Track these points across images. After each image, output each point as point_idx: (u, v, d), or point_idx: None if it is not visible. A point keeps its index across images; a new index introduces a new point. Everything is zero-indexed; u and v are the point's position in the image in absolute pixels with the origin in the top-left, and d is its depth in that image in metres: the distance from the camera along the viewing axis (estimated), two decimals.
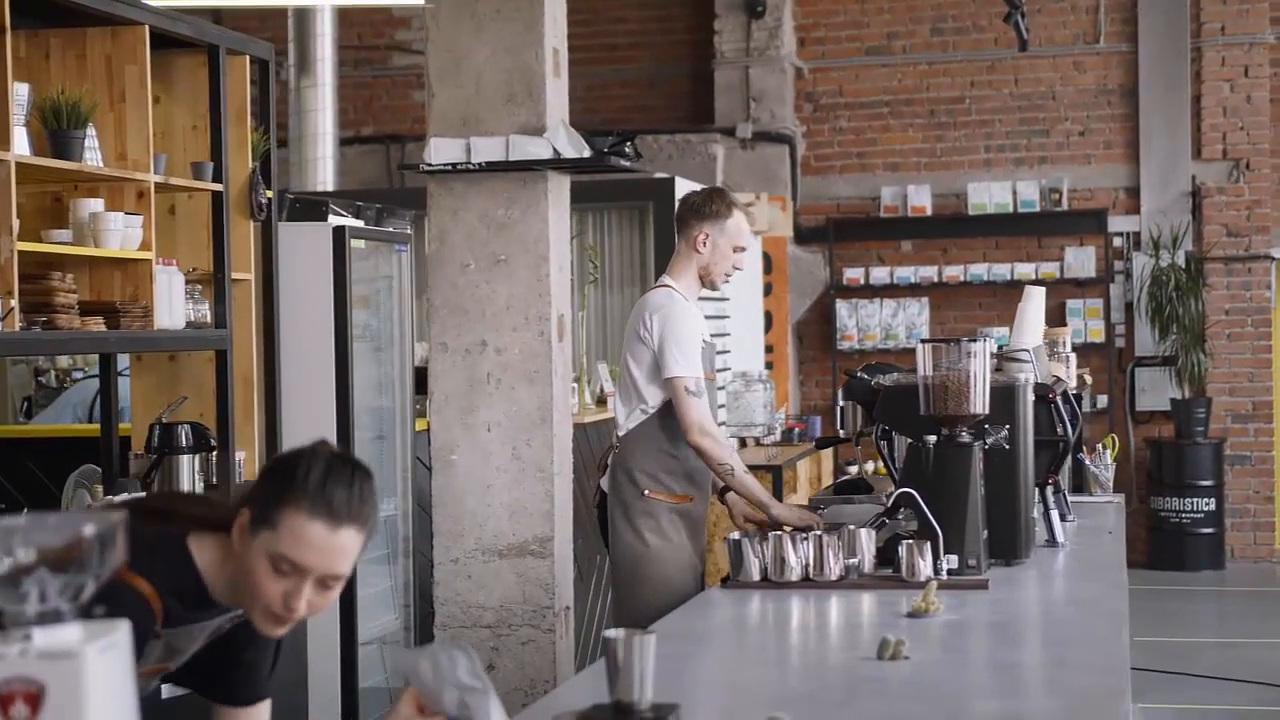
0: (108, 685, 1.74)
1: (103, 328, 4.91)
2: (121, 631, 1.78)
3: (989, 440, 4.46)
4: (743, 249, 5.33)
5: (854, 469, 12.25)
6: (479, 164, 5.80)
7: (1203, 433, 12.23)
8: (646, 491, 5.18)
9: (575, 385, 7.92)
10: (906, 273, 12.78)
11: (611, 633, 2.72)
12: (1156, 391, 12.51)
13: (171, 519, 2.71)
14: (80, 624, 1.76)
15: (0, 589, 1.73)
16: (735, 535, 4.36)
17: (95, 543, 1.75)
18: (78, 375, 8.90)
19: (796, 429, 11.27)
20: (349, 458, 2.67)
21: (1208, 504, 12.17)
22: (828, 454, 11.32)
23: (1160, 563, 12.20)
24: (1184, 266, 12.27)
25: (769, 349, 12.34)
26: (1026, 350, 5.16)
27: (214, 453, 5.49)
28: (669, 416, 5.19)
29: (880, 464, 11.85)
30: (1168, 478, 12.24)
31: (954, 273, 12.69)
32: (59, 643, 1.73)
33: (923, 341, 4.47)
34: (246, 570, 2.59)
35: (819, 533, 4.32)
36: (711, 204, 5.30)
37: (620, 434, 5.30)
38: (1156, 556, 12.27)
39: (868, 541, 4.33)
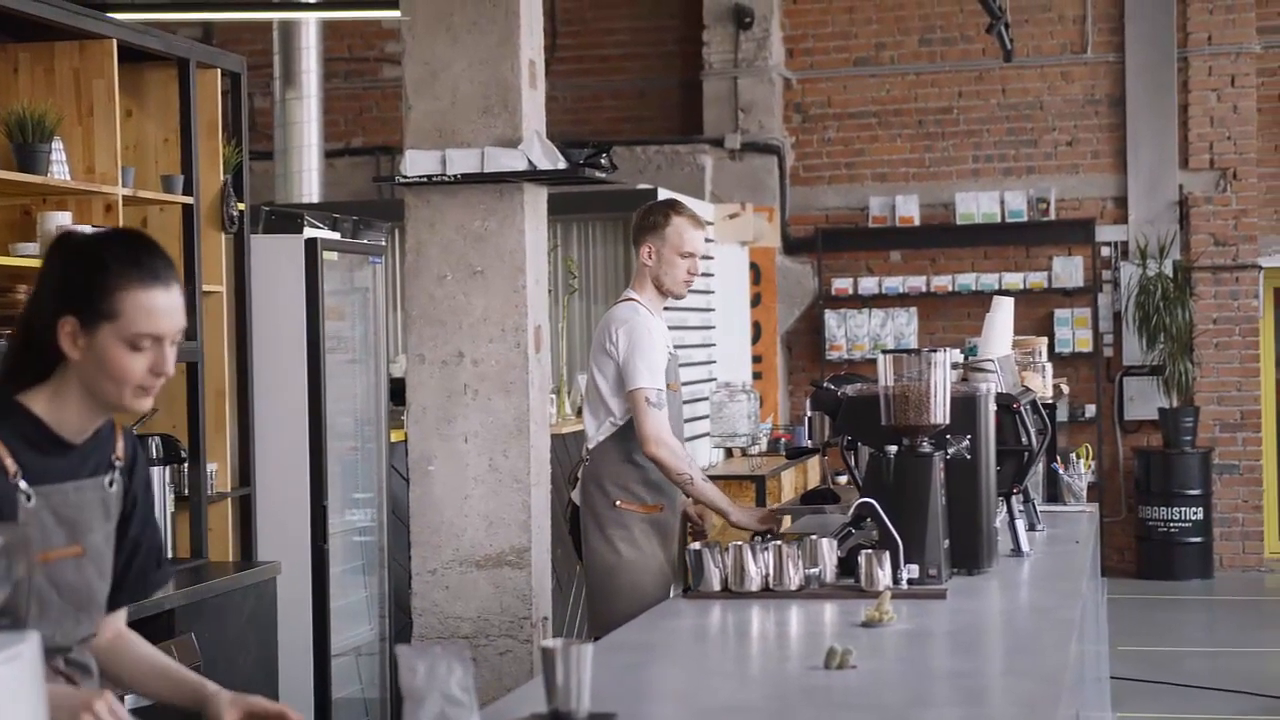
0: (13, 696, 1.75)
1: None
2: (29, 643, 1.80)
3: (950, 450, 4.47)
4: (690, 254, 5.37)
5: (844, 479, 12.27)
6: (454, 176, 5.83)
7: (1191, 442, 12.24)
8: (618, 502, 5.25)
9: (554, 396, 7.94)
10: (895, 283, 12.80)
11: (548, 643, 2.74)
12: (1144, 401, 12.51)
13: None
14: None
15: None
16: (696, 545, 4.38)
17: (1, 554, 1.77)
18: None
19: (784, 439, 11.28)
20: (125, 229, 2.78)
21: (1196, 513, 12.18)
22: (814, 464, 11.33)
23: (1148, 572, 12.20)
24: (1171, 276, 12.28)
25: (758, 359, 12.36)
26: (991, 360, 5.17)
27: (185, 464, 5.51)
28: None
29: None
30: (1156, 487, 12.24)
31: (942, 283, 12.71)
32: None
33: (884, 352, 4.49)
34: (100, 366, 2.65)
35: (779, 543, 4.33)
36: (649, 216, 5.41)
37: (590, 446, 5.38)
38: (1145, 566, 12.27)
39: (829, 551, 4.34)
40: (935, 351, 4.43)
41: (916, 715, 2.99)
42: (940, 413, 4.40)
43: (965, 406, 4.55)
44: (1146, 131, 12.55)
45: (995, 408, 4.76)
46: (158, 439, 5.39)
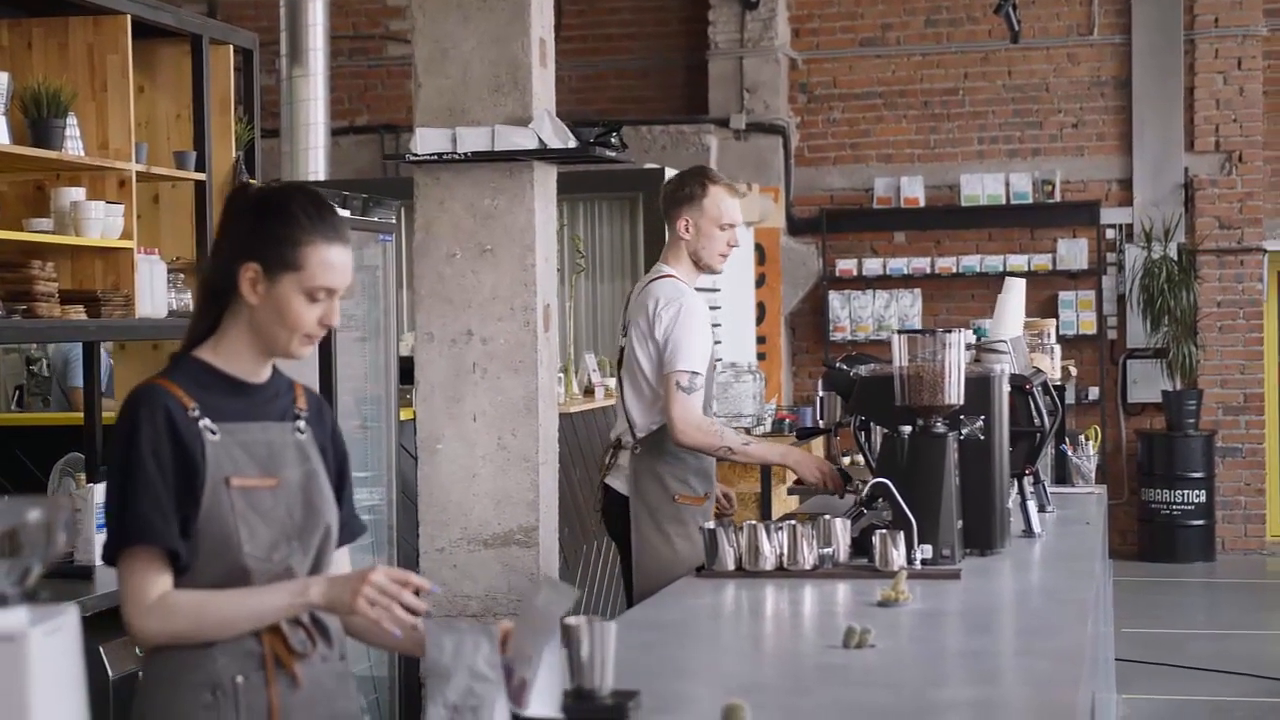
0: (53, 667, 1.76)
1: (83, 316, 4.93)
2: (69, 615, 1.80)
3: (964, 431, 4.47)
4: (730, 225, 5.18)
5: (847, 460, 12.28)
6: (465, 154, 5.82)
7: (1194, 425, 12.25)
8: (677, 496, 5.07)
9: (562, 375, 7.94)
10: (899, 264, 12.80)
11: (572, 620, 2.74)
12: (1148, 383, 12.53)
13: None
14: (26, 607, 1.78)
15: None
16: (710, 524, 4.38)
17: (40, 527, 1.77)
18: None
19: (788, 420, 11.29)
20: (304, 186, 2.95)
21: (1198, 496, 12.19)
22: (819, 444, 11.34)
23: (1151, 554, 12.22)
24: (1176, 259, 12.28)
25: (762, 340, 12.36)
26: (1004, 341, 5.18)
27: None
28: None
29: None
30: (1159, 469, 12.25)
31: (947, 264, 12.71)
32: (4, 625, 1.75)
33: (898, 332, 4.48)
34: (276, 313, 2.81)
35: (793, 522, 4.33)
36: (685, 187, 5.19)
37: (639, 434, 5.14)
38: (1147, 548, 12.29)
39: (843, 531, 4.35)
40: (950, 332, 4.43)
41: (937, 695, 3.00)
42: (955, 393, 4.40)
43: (979, 387, 4.55)
44: (1152, 114, 12.55)
45: (1009, 389, 4.76)
46: None
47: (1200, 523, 12.23)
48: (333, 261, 2.82)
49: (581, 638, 2.73)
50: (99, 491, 5.10)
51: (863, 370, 4.81)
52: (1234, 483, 12.53)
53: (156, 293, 5.26)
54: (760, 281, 12.31)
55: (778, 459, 5.05)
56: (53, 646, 1.76)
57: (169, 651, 2.78)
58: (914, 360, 4.42)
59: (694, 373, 4.99)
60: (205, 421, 2.78)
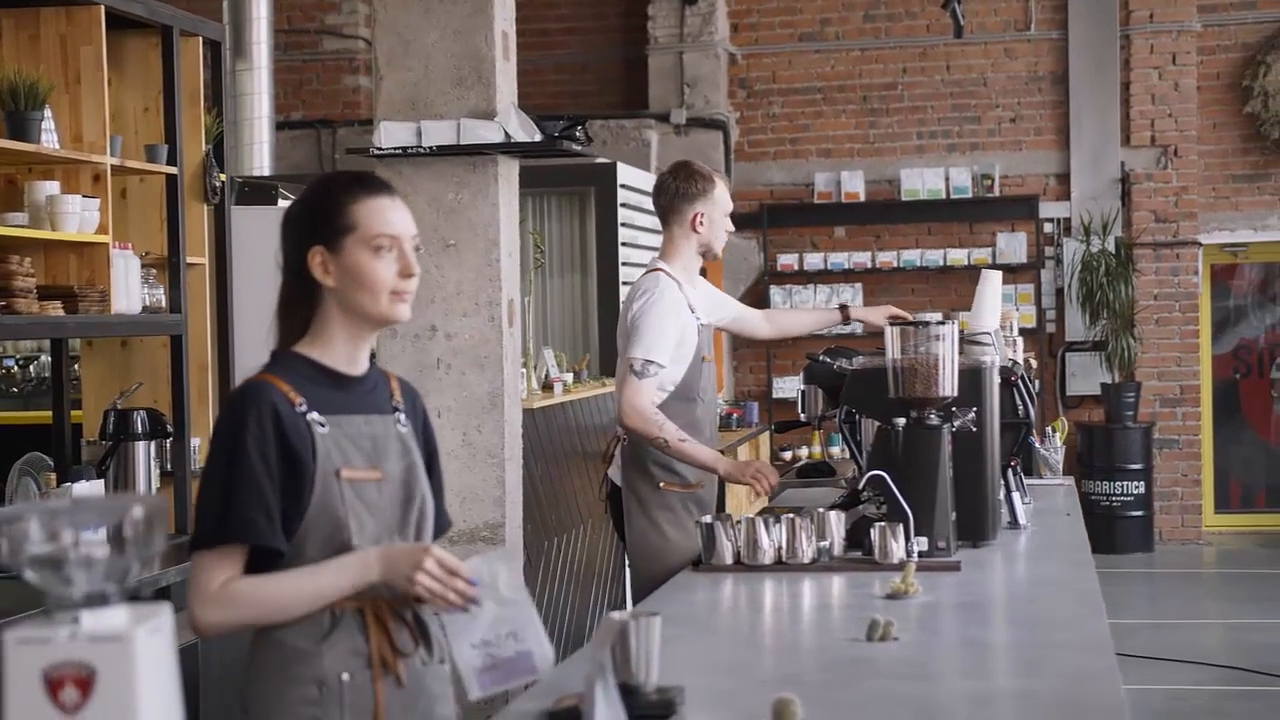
0: (156, 667, 1.72)
1: (61, 312, 4.83)
2: (165, 614, 1.76)
3: (957, 422, 4.47)
4: (729, 212, 5.36)
5: (788, 454, 12.32)
6: (430, 148, 5.77)
7: (1132, 417, 12.37)
8: (662, 484, 5.12)
9: (523, 371, 7.89)
10: (840, 259, 12.83)
11: (618, 615, 2.71)
12: (1087, 376, 12.63)
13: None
14: (127, 606, 1.74)
15: (47, 572, 1.71)
16: (707, 518, 4.36)
17: (142, 524, 1.73)
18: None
19: (734, 415, 11.32)
20: (342, 170, 3.00)
21: (1137, 487, 12.31)
22: (764, 439, 11.38)
23: (1091, 545, 12.29)
24: (1114, 252, 12.39)
25: None
26: (988, 333, 5.19)
27: (169, 439, 5.42)
28: (676, 405, 5.09)
29: (819, 448, 11.89)
30: (1098, 461, 12.36)
31: (887, 258, 12.76)
32: (108, 625, 1.71)
33: (891, 324, 4.48)
34: (353, 280, 2.80)
35: (791, 515, 4.32)
36: (696, 183, 5.25)
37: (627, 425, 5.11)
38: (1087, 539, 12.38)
39: (837, 524, 4.34)
40: (943, 323, 4.43)
41: (975, 687, 2.99)
42: (949, 385, 4.40)
43: (971, 379, 4.56)
44: (1089, 108, 12.65)
45: (998, 380, 4.77)
46: (143, 413, 5.30)
47: (1139, 514, 12.35)
48: (384, 211, 2.82)
49: (629, 633, 2.70)
50: (73, 491, 5.02)
51: (851, 363, 4.80)
52: (1172, 474, 12.67)
53: (131, 288, 5.17)
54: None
55: (708, 461, 5.06)
56: (155, 645, 1.72)
57: (276, 642, 2.77)
58: (907, 352, 4.41)
59: (648, 360, 5.02)
60: (313, 415, 2.79)
